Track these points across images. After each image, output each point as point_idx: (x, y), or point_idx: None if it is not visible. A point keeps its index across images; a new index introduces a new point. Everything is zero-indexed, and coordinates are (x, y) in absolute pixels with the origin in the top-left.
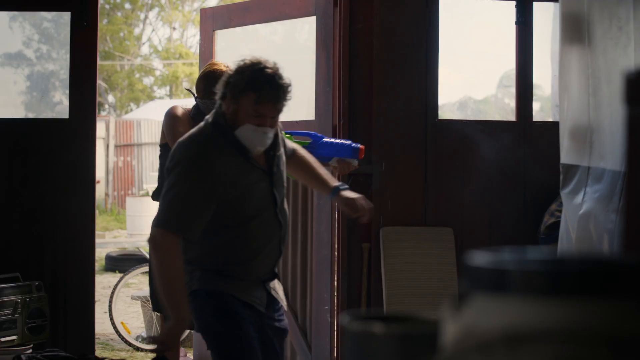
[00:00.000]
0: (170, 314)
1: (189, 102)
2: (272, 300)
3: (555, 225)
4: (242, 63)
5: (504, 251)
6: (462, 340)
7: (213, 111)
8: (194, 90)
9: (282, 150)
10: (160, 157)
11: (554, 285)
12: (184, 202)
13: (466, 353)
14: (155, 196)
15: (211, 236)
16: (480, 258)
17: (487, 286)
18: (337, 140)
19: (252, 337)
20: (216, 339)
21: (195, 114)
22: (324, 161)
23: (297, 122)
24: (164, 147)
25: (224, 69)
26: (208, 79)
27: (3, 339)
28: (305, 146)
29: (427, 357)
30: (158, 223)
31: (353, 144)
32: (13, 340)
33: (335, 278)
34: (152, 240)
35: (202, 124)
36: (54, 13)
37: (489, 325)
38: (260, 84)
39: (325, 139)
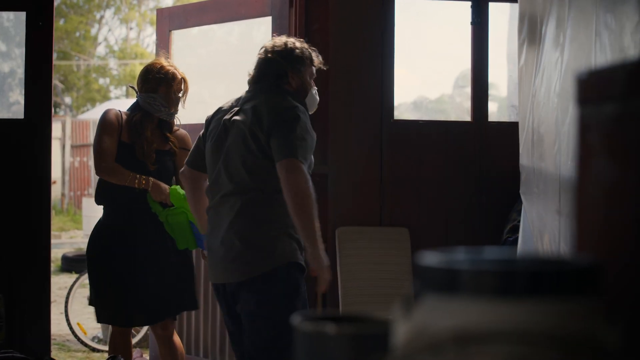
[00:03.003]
0: (317, 242)
1: None
2: None
3: (513, 229)
4: (274, 46)
5: (456, 251)
6: (413, 340)
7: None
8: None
9: None
10: None
11: (505, 286)
12: (308, 136)
13: (417, 353)
14: (97, 199)
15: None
16: (431, 258)
17: (438, 286)
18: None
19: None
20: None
21: (134, 109)
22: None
23: None
24: None
25: (165, 64)
26: (147, 73)
27: None
28: None
29: (378, 357)
30: (293, 155)
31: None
32: None
33: None
34: (291, 167)
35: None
36: (12, 12)
37: (439, 325)
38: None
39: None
